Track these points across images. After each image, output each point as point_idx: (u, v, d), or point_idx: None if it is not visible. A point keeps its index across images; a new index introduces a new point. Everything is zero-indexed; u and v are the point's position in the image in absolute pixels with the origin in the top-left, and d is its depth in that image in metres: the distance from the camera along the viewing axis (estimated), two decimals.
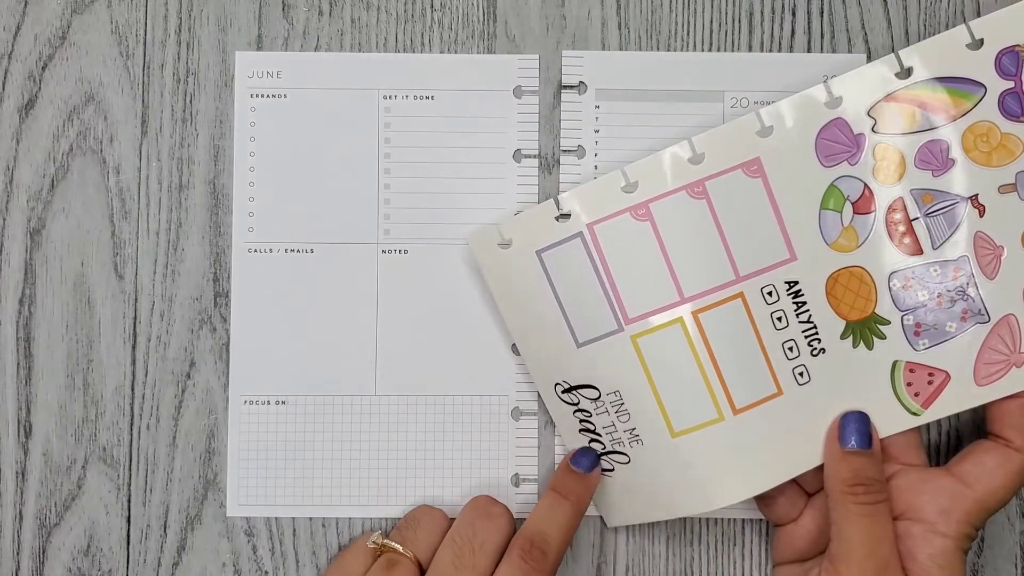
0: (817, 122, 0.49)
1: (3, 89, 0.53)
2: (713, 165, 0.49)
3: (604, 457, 0.51)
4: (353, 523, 0.53)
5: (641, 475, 0.50)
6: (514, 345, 0.53)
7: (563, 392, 0.51)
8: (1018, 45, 0.48)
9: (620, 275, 0.49)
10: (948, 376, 0.49)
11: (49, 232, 0.53)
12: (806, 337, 0.49)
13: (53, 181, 0.53)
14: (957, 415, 0.52)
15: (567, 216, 0.49)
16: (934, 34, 0.52)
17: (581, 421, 0.51)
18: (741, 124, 0.49)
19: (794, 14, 0.53)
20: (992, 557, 0.53)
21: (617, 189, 0.49)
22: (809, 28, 0.53)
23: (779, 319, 0.49)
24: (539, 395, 0.52)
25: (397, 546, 0.49)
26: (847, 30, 0.53)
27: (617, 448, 0.50)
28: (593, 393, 0.50)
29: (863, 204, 0.49)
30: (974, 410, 0.51)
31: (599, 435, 0.50)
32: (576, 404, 0.51)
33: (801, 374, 0.49)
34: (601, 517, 0.53)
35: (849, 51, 0.53)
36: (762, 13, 0.53)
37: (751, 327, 0.49)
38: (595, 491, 0.50)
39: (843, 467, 0.48)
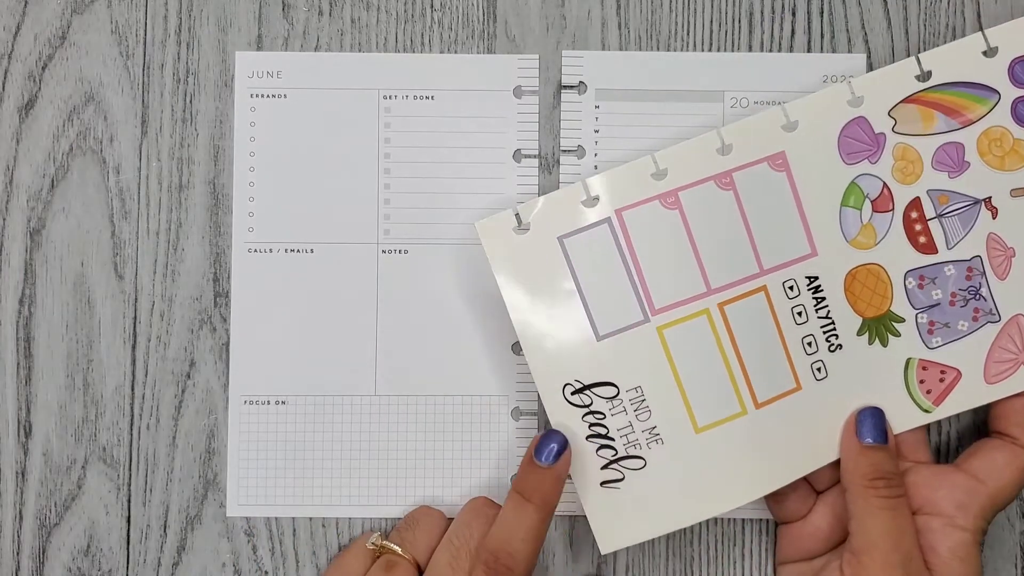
0: (840, 119, 0.49)
1: (3, 89, 0.53)
2: (740, 157, 0.49)
3: (614, 465, 0.49)
4: (353, 523, 0.53)
5: (657, 479, 0.49)
6: (514, 345, 0.53)
7: (573, 394, 0.49)
8: None
9: (648, 264, 0.49)
10: (959, 374, 0.49)
11: (49, 232, 0.53)
12: (824, 333, 0.49)
13: (53, 181, 0.53)
14: (958, 416, 0.52)
15: (595, 201, 0.49)
16: (934, 34, 0.53)
17: (591, 426, 0.49)
18: (767, 117, 0.49)
19: (794, 14, 0.53)
20: (992, 557, 0.53)
21: (647, 175, 0.49)
22: (809, 28, 0.53)
23: (799, 314, 0.49)
24: (539, 398, 0.52)
25: (396, 547, 0.49)
26: (847, 30, 0.53)
27: (632, 452, 0.49)
28: (610, 391, 0.49)
29: (882, 202, 0.49)
30: (975, 411, 0.51)
31: (612, 439, 0.49)
32: (588, 406, 0.49)
33: (819, 369, 0.49)
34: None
35: (849, 51, 0.53)
36: (762, 13, 0.53)
37: (773, 321, 0.49)
38: (564, 484, 0.48)
39: (862, 461, 0.48)
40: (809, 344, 0.49)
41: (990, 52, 0.49)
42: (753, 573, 0.53)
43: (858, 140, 0.49)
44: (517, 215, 0.49)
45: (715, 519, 0.53)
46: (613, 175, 0.49)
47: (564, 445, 0.48)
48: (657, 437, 0.49)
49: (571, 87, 0.53)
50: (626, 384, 0.49)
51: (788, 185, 0.49)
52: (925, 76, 0.49)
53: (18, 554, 0.52)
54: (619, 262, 0.49)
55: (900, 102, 0.49)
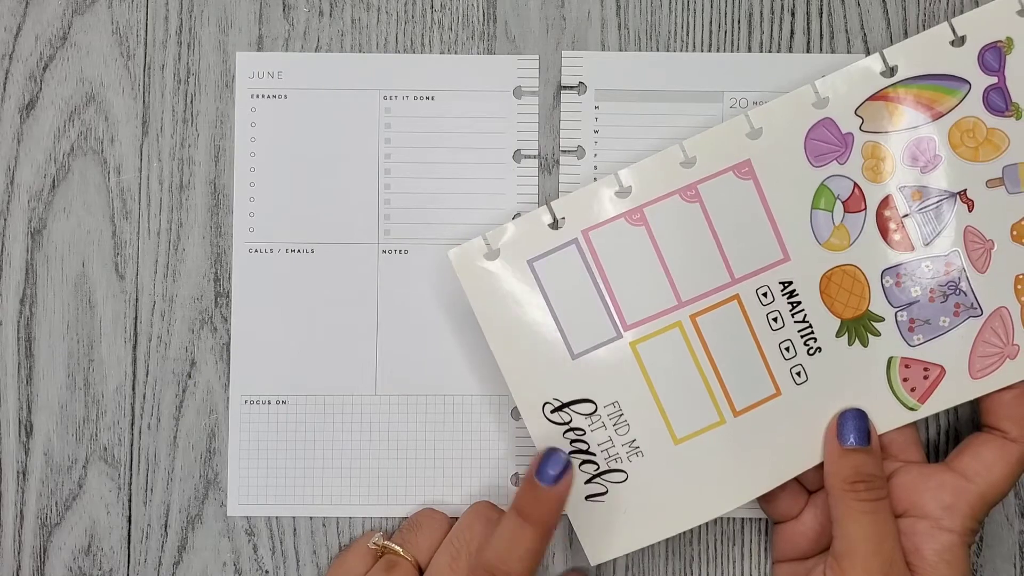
0: (805, 122, 0.49)
1: (4, 89, 0.53)
2: (705, 168, 0.49)
3: (597, 479, 0.49)
4: (353, 523, 0.53)
5: (640, 491, 0.49)
6: None
7: (552, 412, 0.49)
8: (1000, 41, 0.49)
9: (617, 281, 0.49)
10: (943, 370, 0.49)
11: (50, 232, 0.53)
12: (802, 337, 0.49)
13: (54, 181, 0.53)
14: (955, 410, 0.53)
15: (560, 223, 0.49)
16: None
17: (572, 442, 0.49)
18: (730, 126, 0.49)
19: (793, 15, 0.53)
20: (991, 556, 0.53)
21: (611, 194, 0.49)
22: (808, 29, 0.53)
23: (775, 320, 0.49)
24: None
25: (398, 548, 0.49)
26: (846, 31, 0.53)
27: (613, 465, 0.49)
28: (588, 407, 0.49)
29: (853, 203, 0.49)
30: (971, 406, 0.51)
31: (593, 454, 0.49)
32: (567, 423, 0.49)
33: (799, 374, 0.49)
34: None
35: (848, 52, 0.53)
36: (761, 14, 0.53)
37: (748, 329, 0.49)
38: (564, 504, 0.48)
39: (843, 465, 0.48)
40: (787, 349, 0.49)
41: (957, 41, 0.49)
42: (752, 572, 0.53)
43: (825, 142, 0.49)
44: (487, 242, 0.49)
45: (714, 519, 0.53)
46: (577, 196, 0.49)
47: (566, 466, 0.47)
48: (637, 450, 0.49)
49: (571, 87, 0.53)
50: (603, 400, 0.49)
51: (755, 192, 0.49)
52: (890, 72, 0.49)
53: (19, 553, 0.53)
54: (588, 281, 0.49)
55: (866, 100, 0.49)
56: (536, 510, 0.47)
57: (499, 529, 0.47)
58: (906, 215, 0.49)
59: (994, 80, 0.49)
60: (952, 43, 0.49)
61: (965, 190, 0.49)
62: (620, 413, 0.49)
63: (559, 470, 0.47)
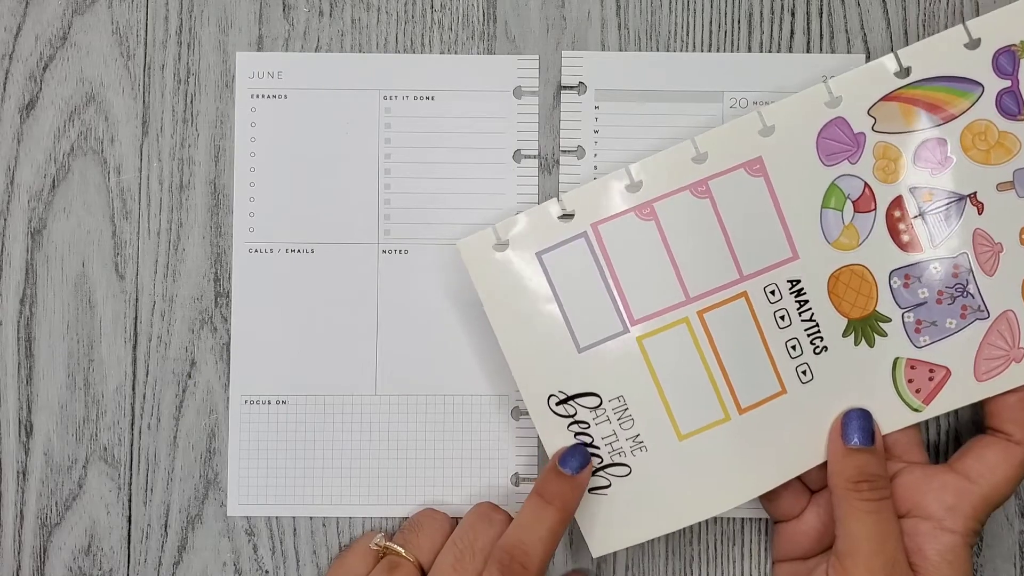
0: (818, 121, 0.49)
1: (4, 89, 0.53)
2: (716, 164, 0.49)
3: (600, 472, 0.50)
4: (353, 523, 0.53)
5: (643, 485, 0.50)
6: None
7: (557, 404, 0.49)
8: (1015, 44, 0.49)
9: (625, 275, 0.49)
10: (949, 372, 0.49)
11: (50, 232, 0.53)
12: (808, 335, 0.49)
13: (54, 181, 0.53)
14: (956, 413, 0.53)
15: (570, 216, 0.49)
16: (932, 34, 0.53)
17: (576, 435, 0.50)
18: (743, 123, 0.49)
19: (793, 15, 0.53)
20: (991, 556, 0.53)
21: (621, 188, 0.49)
22: (808, 29, 0.53)
23: (782, 318, 0.49)
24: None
25: (400, 549, 0.49)
26: (846, 31, 0.53)
27: (617, 459, 0.50)
28: (593, 401, 0.50)
29: (864, 203, 0.49)
30: (974, 408, 0.51)
31: (597, 447, 0.50)
32: (572, 416, 0.50)
33: (804, 372, 0.49)
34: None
35: (848, 52, 0.53)
36: (761, 14, 0.53)
37: (755, 326, 0.49)
38: (583, 493, 0.49)
39: (847, 464, 0.48)
40: (793, 347, 0.49)
41: (972, 44, 0.49)
42: (752, 572, 0.53)
43: (837, 141, 0.49)
44: (496, 233, 0.49)
45: (714, 518, 0.53)
46: (587, 189, 0.49)
47: (588, 458, 0.49)
48: (641, 445, 0.49)
49: (571, 87, 0.53)
50: (608, 394, 0.49)
51: (766, 190, 0.49)
52: (904, 72, 0.49)
53: (19, 553, 0.53)
54: (597, 275, 0.49)
55: (879, 100, 0.49)
56: (559, 494, 0.48)
57: (520, 513, 0.48)
58: (916, 216, 0.49)
59: (1007, 83, 0.49)
60: (966, 46, 0.49)
61: (975, 193, 0.49)
62: (625, 407, 0.49)
63: (581, 461, 0.48)
